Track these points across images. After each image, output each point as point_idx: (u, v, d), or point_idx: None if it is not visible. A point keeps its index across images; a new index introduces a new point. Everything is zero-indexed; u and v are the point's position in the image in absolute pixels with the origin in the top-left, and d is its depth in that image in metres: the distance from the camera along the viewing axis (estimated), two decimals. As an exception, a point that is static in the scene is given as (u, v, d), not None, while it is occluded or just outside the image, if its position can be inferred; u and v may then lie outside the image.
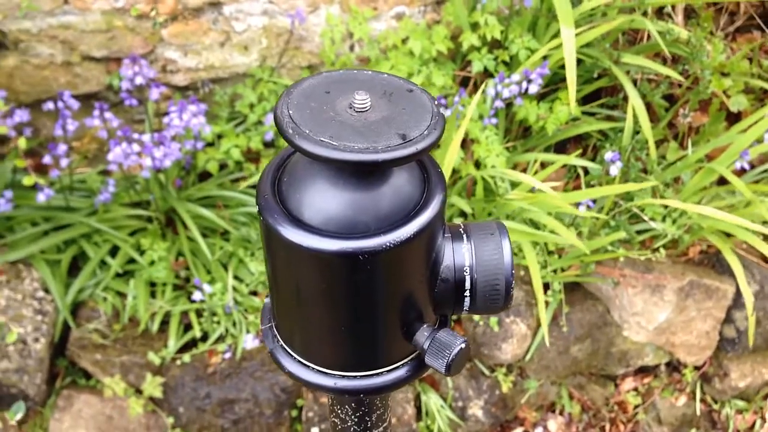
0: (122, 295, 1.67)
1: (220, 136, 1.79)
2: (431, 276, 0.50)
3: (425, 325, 0.51)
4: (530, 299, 1.68)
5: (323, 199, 0.46)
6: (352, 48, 1.85)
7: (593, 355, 1.74)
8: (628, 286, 1.67)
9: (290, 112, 0.45)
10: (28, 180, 1.46)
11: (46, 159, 1.60)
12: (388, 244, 0.45)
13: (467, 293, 0.51)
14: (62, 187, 1.72)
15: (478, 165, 1.73)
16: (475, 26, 1.77)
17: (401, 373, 0.53)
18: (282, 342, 0.54)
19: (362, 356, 0.52)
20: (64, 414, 1.59)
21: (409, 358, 0.53)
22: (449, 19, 1.78)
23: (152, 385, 1.57)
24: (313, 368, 0.52)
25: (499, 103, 1.67)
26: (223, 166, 1.82)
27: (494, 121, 1.69)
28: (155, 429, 1.62)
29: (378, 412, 0.58)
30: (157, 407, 1.61)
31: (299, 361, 0.53)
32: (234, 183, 1.80)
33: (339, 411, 0.58)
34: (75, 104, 1.64)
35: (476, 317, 1.65)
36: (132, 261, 1.69)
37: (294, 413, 1.65)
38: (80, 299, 1.65)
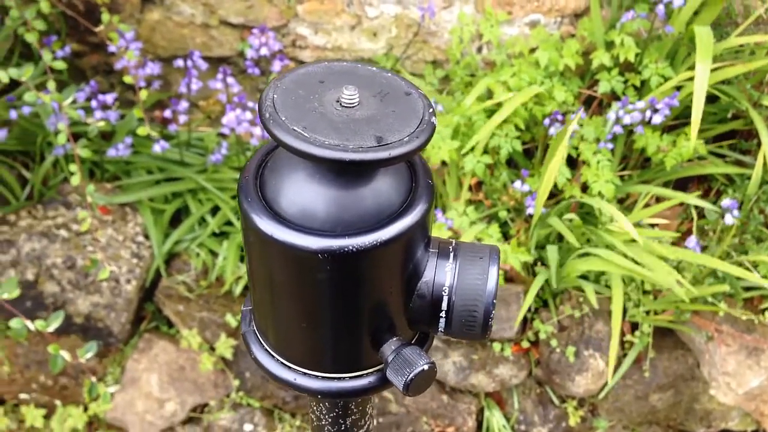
0: (214, 254, 1.73)
1: (334, 117, 1.82)
2: (407, 289, 0.48)
3: (395, 339, 0.49)
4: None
5: (294, 190, 0.45)
6: (479, 50, 1.83)
7: (674, 407, 1.65)
8: (723, 343, 1.56)
9: (274, 96, 0.44)
10: (141, 130, 1.53)
11: (167, 113, 1.68)
12: (350, 247, 0.43)
13: (443, 314, 0.49)
14: (179, 142, 1.80)
15: (585, 188, 1.67)
16: (610, 45, 1.70)
17: (363, 382, 0.51)
18: (255, 327, 0.53)
19: (322, 357, 0.50)
20: (142, 356, 1.67)
21: (375, 368, 0.51)
22: (584, 34, 1.72)
23: (225, 346, 1.62)
24: (277, 359, 0.52)
25: (617, 129, 1.60)
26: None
27: (610, 146, 1.62)
28: (221, 388, 1.67)
29: (353, 417, 0.57)
30: (226, 367, 1.66)
31: (266, 350, 0.53)
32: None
33: (315, 408, 0.57)
34: (203, 65, 1.70)
35: (553, 342, 1.60)
36: (229, 223, 1.74)
37: (355, 401, 1.66)
38: (175, 250, 1.72)
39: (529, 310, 1.65)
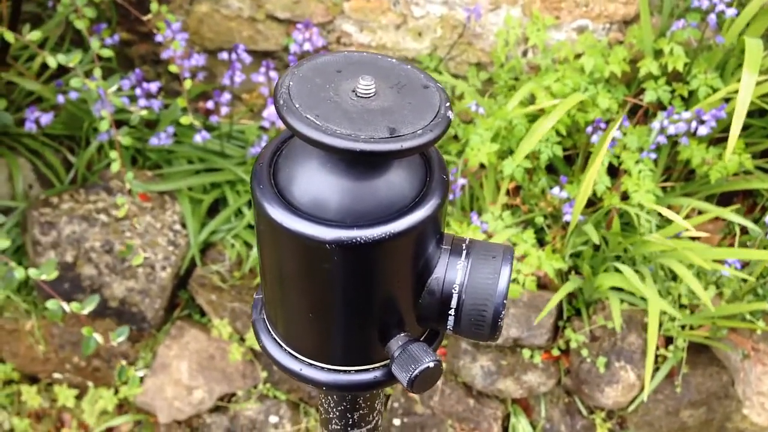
0: (249, 246, 1.74)
1: (375, 115, 1.82)
2: (416, 285, 0.48)
3: (402, 334, 0.49)
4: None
5: (306, 179, 0.45)
6: (525, 54, 1.81)
7: (705, 425, 1.61)
8: (759, 362, 1.52)
9: (290, 83, 0.44)
10: (184, 120, 1.55)
11: (210, 104, 1.70)
12: (359, 239, 0.43)
13: (452, 312, 0.48)
14: (221, 134, 1.82)
15: (625, 199, 1.64)
16: (658, 54, 1.67)
17: (369, 376, 0.51)
18: (265, 315, 0.53)
19: (329, 348, 0.50)
20: (173, 342, 1.69)
21: (381, 363, 0.51)
22: (632, 41, 1.69)
23: (255, 338, 1.63)
24: (285, 349, 0.52)
25: (661, 139, 1.57)
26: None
27: (653, 156, 1.59)
28: (249, 378, 1.68)
29: (361, 411, 0.56)
30: (255, 359, 1.67)
31: (274, 339, 0.52)
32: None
33: (323, 400, 0.57)
34: (247, 58, 1.72)
35: (584, 352, 1.57)
36: (266, 216, 1.75)
37: (381, 399, 1.66)
38: (211, 240, 1.74)
39: (561, 318, 1.63)
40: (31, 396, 1.75)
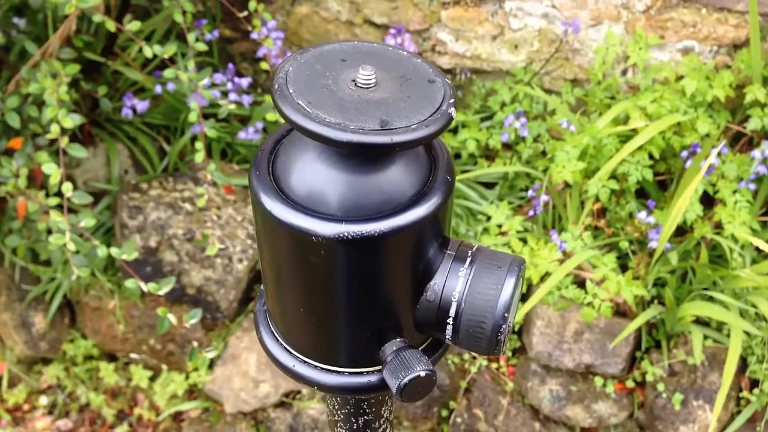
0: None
1: (463, 125, 1.80)
2: (414, 289, 0.45)
3: (399, 339, 0.46)
4: (731, 390, 1.48)
5: (299, 168, 0.43)
6: (624, 72, 1.75)
7: (790, 479, 1.50)
8: None
9: (290, 68, 0.43)
10: (270, 116, 1.57)
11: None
12: (346, 234, 0.41)
13: (450, 321, 0.45)
14: (309, 133, 1.84)
15: (717, 229, 1.56)
16: (767, 81, 1.58)
17: (363, 380, 0.48)
18: (266, 307, 0.52)
19: (320, 346, 0.48)
20: (245, 334, 1.72)
21: (376, 367, 0.48)
22: (740, 66, 1.61)
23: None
24: (280, 343, 0.50)
25: (761, 168, 1.48)
26: (457, 155, 1.82)
27: (752, 186, 1.51)
28: (315, 378, 1.68)
29: (366, 417, 0.54)
30: (322, 358, 1.68)
31: (272, 332, 0.51)
32: (462, 173, 1.79)
33: (329, 401, 0.55)
34: (340, 60, 1.73)
35: (660, 386, 1.50)
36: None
37: (444, 413, 1.63)
38: (290, 238, 1.75)
39: (639, 348, 1.56)
40: (108, 373, 1.81)
